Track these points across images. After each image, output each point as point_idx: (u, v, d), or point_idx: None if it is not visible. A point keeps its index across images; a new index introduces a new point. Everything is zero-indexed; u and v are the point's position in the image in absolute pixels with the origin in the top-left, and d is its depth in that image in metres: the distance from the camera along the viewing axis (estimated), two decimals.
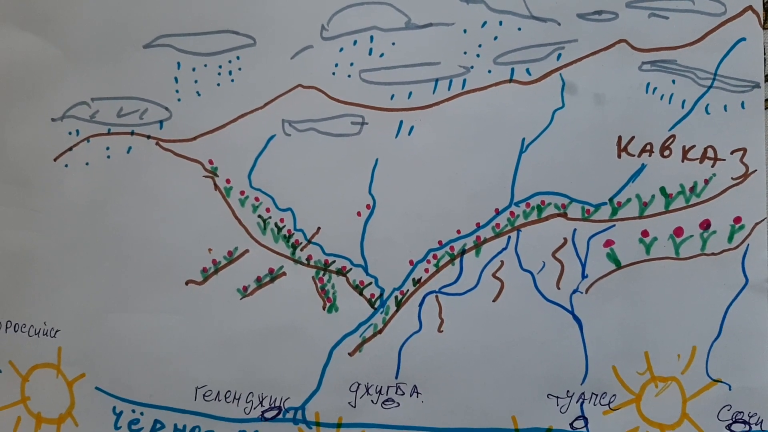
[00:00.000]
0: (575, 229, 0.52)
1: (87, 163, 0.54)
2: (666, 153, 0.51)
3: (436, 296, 0.53)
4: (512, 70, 0.51)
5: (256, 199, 0.53)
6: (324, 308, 0.53)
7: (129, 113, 0.54)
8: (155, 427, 0.55)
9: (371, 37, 0.52)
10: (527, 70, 0.51)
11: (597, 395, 0.52)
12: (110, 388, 0.55)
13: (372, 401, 0.53)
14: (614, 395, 0.52)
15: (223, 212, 0.53)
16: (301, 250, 0.53)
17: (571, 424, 0.53)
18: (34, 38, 0.54)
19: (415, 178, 0.52)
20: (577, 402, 0.52)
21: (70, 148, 0.54)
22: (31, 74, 0.54)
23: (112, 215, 0.54)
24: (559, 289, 0.52)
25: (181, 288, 0.54)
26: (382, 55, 0.52)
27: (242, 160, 0.53)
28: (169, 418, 0.55)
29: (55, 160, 0.54)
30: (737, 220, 0.51)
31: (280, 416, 0.54)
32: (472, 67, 0.52)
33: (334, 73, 0.52)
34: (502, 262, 0.52)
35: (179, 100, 0.53)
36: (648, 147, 0.51)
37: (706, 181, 0.51)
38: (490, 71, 0.52)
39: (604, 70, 0.51)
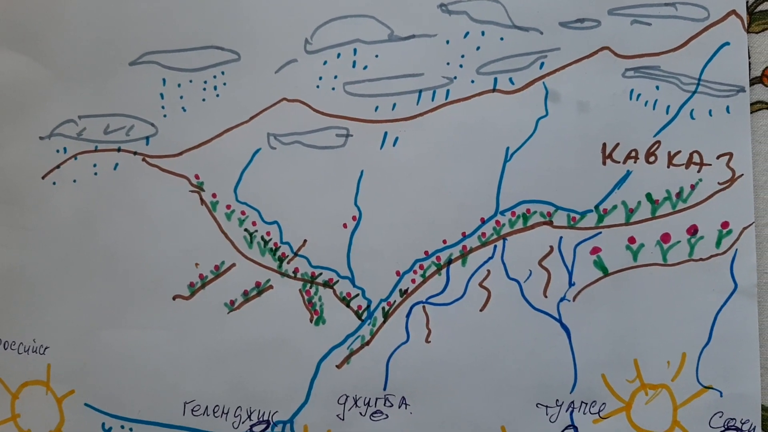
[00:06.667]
0: (561, 237, 0.52)
1: (75, 180, 0.54)
2: (651, 159, 0.51)
3: (423, 307, 0.53)
4: (495, 79, 0.52)
5: (243, 212, 0.53)
6: (311, 321, 0.53)
7: (116, 130, 0.54)
8: None
9: (355, 50, 0.52)
10: (510, 80, 0.52)
11: (587, 404, 0.52)
12: (99, 404, 0.55)
13: (360, 413, 0.53)
14: (604, 403, 0.52)
15: (209, 226, 0.54)
16: (288, 262, 0.53)
17: None
18: (21, 57, 0.55)
19: (400, 189, 0.52)
20: (566, 411, 0.52)
21: (58, 166, 0.55)
22: (18, 93, 0.55)
23: (99, 232, 0.54)
24: (546, 297, 0.52)
25: (169, 303, 0.54)
26: (365, 67, 0.52)
27: (228, 174, 0.53)
28: None
29: (43, 177, 0.55)
30: (725, 225, 0.51)
31: (269, 430, 0.54)
32: (455, 77, 0.52)
33: (318, 86, 0.53)
34: (489, 271, 0.52)
35: (165, 116, 0.54)
36: (633, 153, 0.51)
37: (693, 187, 0.51)
38: (473, 81, 0.52)
39: (587, 77, 0.51)
